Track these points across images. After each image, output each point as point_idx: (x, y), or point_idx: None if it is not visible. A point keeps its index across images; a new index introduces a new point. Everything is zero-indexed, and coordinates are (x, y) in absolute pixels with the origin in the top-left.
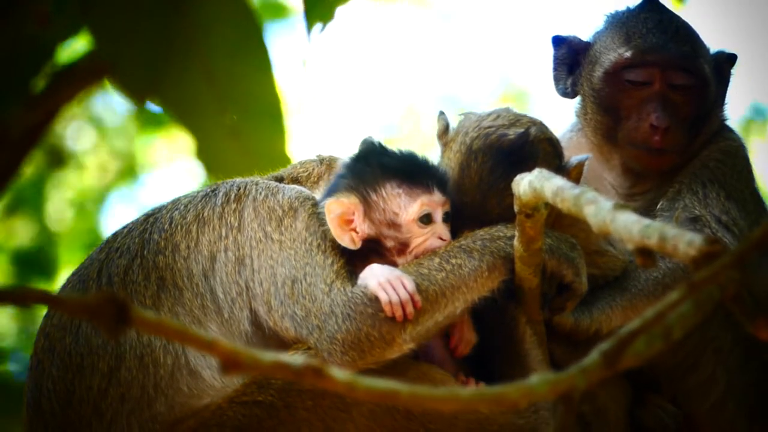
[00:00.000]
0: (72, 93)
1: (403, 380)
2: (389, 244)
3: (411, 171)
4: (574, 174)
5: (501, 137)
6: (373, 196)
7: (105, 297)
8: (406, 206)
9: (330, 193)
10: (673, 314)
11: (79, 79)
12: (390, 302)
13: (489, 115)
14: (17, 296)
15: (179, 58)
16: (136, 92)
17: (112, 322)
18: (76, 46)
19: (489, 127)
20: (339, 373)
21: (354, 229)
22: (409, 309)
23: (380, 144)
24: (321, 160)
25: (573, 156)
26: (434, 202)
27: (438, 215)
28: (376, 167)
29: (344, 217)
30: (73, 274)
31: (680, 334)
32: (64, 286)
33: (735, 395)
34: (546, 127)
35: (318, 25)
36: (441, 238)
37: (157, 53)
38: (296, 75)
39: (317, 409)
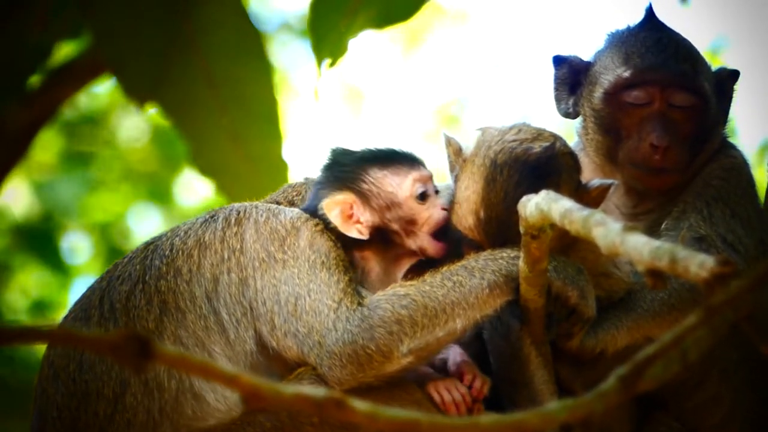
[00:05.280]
0: (69, 91)
1: (408, 399)
2: (395, 227)
3: (388, 154)
4: (594, 194)
5: (527, 151)
6: (364, 186)
7: (127, 334)
8: (399, 184)
9: (313, 202)
10: (689, 338)
11: (76, 77)
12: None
13: (510, 128)
14: (38, 334)
15: (179, 61)
16: (138, 95)
17: (136, 359)
18: (73, 44)
19: (513, 140)
20: (360, 405)
21: (358, 221)
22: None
23: (341, 147)
24: (312, 182)
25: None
26: (424, 176)
27: (431, 189)
28: (353, 161)
29: (344, 213)
30: (75, 304)
31: (695, 357)
32: (67, 316)
33: (741, 412)
34: (566, 142)
35: (326, 60)
36: (443, 208)
37: (157, 56)
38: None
39: (324, 427)
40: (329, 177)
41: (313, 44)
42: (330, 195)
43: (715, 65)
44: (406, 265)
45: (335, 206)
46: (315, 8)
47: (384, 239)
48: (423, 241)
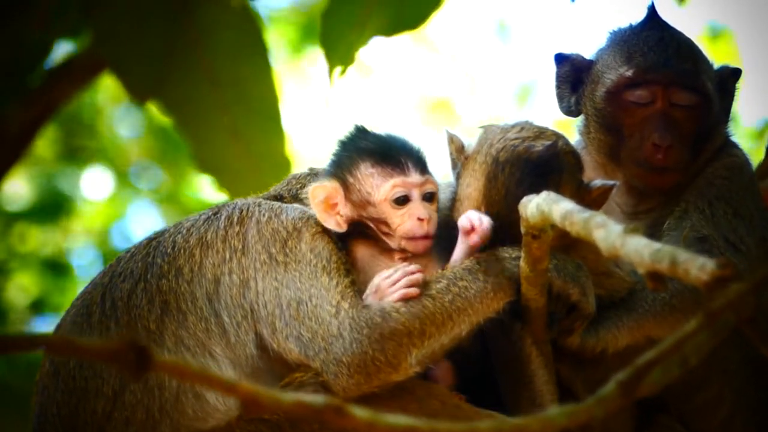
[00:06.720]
0: (69, 89)
1: (410, 398)
2: (371, 225)
3: (386, 151)
4: (595, 194)
5: (529, 149)
6: (350, 179)
7: (126, 342)
8: (378, 186)
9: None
10: (689, 343)
11: (75, 76)
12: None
13: (513, 127)
14: (38, 342)
15: (181, 60)
16: (138, 93)
17: (134, 367)
18: (73, 42)
19: (515, 138)
20: (360, 411)
21: (339, 213)
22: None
23: (363, 127)
24: (315, 174)
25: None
26: (409, 182)
27: (415, 195)
28: (353, 150)
29: (329, 201)
30: (77, 299)
31: (696, 361)
32: (69, 311)
33: (742, 414)
34: (569, 141)
35: (338, 69)
36: (419, 219)
37: (159, 55)
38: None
39: None
40: (334, 158)
41: (325, 54)
42: (321, 179)
43: (714, 51)
44: (395, 258)
45: (321, 193)
46: (326, 19)
47: (367, 234)
48: (400, 242)
